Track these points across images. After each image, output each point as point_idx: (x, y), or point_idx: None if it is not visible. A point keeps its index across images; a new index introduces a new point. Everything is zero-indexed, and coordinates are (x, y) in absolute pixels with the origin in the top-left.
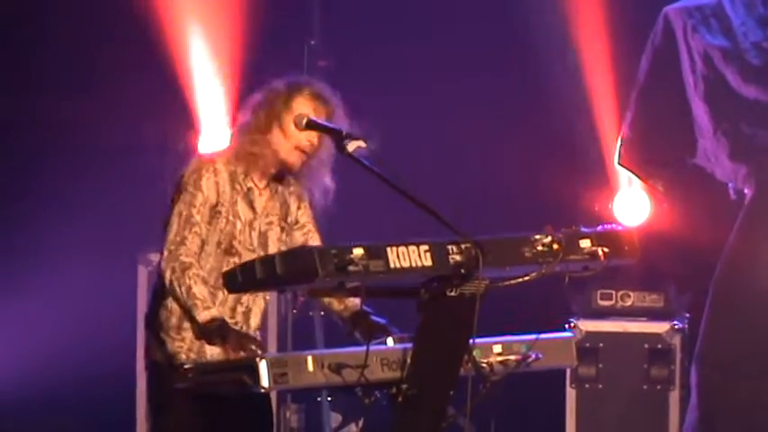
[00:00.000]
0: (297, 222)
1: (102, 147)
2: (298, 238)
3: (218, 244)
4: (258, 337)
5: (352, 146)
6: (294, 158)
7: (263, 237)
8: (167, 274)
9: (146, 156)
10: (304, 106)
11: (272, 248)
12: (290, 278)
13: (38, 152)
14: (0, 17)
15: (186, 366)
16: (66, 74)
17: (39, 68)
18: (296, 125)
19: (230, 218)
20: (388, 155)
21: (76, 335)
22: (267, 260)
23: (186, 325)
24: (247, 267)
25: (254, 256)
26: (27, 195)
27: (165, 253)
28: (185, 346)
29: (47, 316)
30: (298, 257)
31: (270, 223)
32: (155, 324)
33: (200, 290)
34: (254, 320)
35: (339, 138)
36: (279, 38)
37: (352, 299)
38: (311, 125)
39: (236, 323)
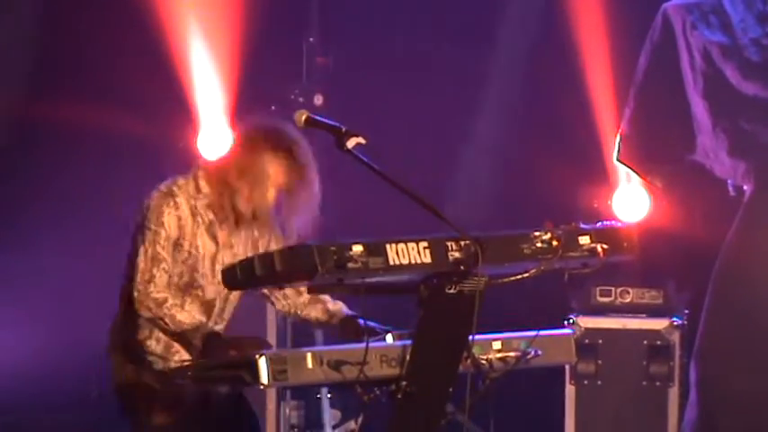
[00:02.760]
0: None
1: (99, 148)
2: None
3: (180, 276)
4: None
5: (351, 142)
6: (249, 213)
7: None
8: (145, 314)
9: (143, 156)
10: (279, 173)
11: None
12: (290, 275)
13: (37, 155)
14: None
15: (185, 363)
16: (63, 75)
17: (37, 71)
18: (296, 122)
19: (192, 251)
20: (387, 152)
21: (74, 334)
22: (266, 257)
23: (151, 339)
24: (246, 264)
25: (219, 289)
26: (23, 197)
27: (135, 293)
28: (157, 353)
29: (46, 315)
30: (297, 254)
31: (235, 255)
32: (122, 346)
33: (183, 316)
34: (227, 314)
35: (339, 134)
36: (278, 35)
37: (336, 307)
38: (310, 122)
39: (214, 323)
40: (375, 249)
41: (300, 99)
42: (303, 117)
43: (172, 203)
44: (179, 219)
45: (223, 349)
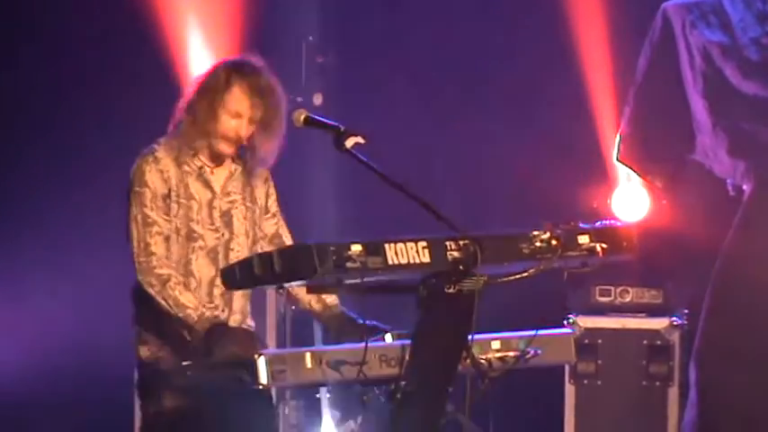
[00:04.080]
0: (267, 211)
1: (100, 144)
2: (269, 227)
3: (178, 231)
4: (252, 328)
5: (350, 142)
6: (222, 147)
7: (227, 215)
8: (148, 289)
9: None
10: (239, 101)
11: (238, 227)
12: (289, 275)
13: (40, 150)
14: None
15: (185, 363)
16: (61, 73)
17: (36, 69)
18: (294, 122)
19: (182, 200)
20: (386, 151)
21: (77, 331)
22: (265, 257)
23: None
24: (245, 264)
25: (218, 236)
26: (31, 192)
27: (136, 265)
28: (166, 342)
29: (48, 312)
30: (296, 254)
31: (232, 202)
32: (137, 323)
33: (187, 298)
34: (237, 303)
35: (338, 134)
36: (277, 34)
37: (331, 301)
38: (309, 122)
39: (215, 307)
40: (374, 249)
41: (299, 98)
42: (302, 116)
43: (151, 159)
44: (161, 172)
45: (225, 341)
